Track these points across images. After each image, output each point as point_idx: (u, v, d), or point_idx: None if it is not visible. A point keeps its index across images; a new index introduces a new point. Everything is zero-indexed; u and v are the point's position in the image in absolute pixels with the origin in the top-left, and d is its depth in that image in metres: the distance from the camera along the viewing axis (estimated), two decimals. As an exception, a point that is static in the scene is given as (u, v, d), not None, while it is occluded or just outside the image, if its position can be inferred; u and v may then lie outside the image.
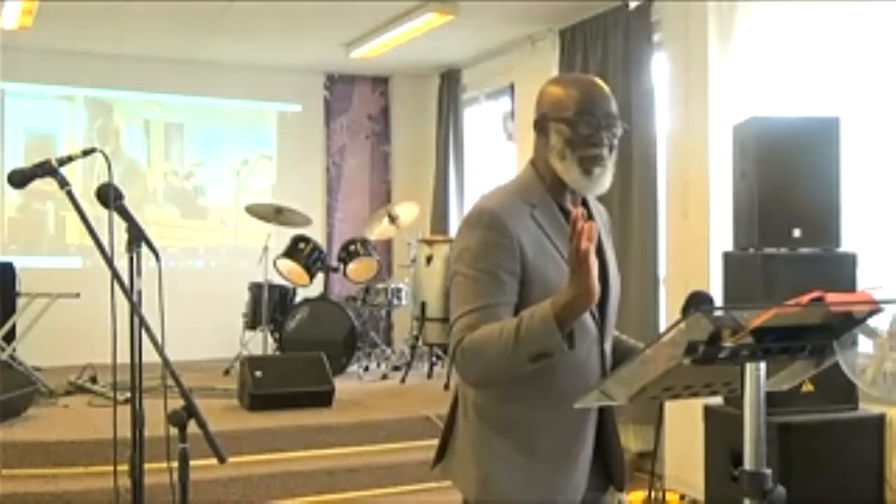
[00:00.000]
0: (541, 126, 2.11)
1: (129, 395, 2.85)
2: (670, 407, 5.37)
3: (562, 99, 2.07)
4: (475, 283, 2.01)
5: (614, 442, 2.19)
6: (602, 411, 2.14)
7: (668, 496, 4.71)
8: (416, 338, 6.84)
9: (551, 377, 2.00)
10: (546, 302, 1.88)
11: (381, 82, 8.96)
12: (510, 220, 2.03)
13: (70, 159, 2.78)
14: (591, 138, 2.04)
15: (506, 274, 2.00)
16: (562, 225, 2.07)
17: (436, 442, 2.26)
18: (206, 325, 7.36)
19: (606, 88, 2.11)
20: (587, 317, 2.07)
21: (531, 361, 1.89)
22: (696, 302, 2.00)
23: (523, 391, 2.03)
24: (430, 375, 6.78)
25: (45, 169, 2.69)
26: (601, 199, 2.25)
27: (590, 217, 2.18)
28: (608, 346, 2.16)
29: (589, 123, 2.04)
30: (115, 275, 2.53)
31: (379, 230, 7.38)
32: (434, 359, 6.92)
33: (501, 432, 2.07)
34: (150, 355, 2.59)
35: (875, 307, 1.78)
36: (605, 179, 2.07)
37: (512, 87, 7.39)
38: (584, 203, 2.20)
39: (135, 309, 2.58)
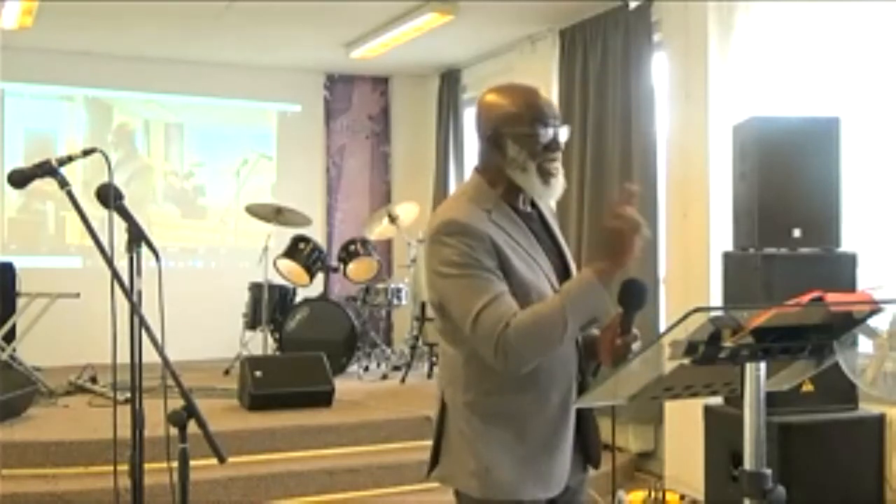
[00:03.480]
0: (494, 141, 2.18)
1: (129, 395, 2.84)
2: (670, 407, 5.39)
3: (513, 112, 2.17)
4: (474, 280, 2.06)
5: (591, 421, 2.26)
6: (578, 394, 2.20)
7: (668, 496, 4.69)
8: (416, 338, 6.85)
9: (535, 365, 2.07)
10: (584, 273, 2.06)
11: (381, 82, 8.95)
12: (475, 223, 2.11)
13: (70, 159, 2.78)
14: (550, 146, 2.16)
15: (492, 272, 2.08)
16: (518, 224, 2.19)
17: (437, 442, 2.28)
18: (206, 325, 7.35)
19: (545, 93, 2.24)
20: None
21: (581, 330, 2.09)
22: (630, 291, 2.03)
23: (510, 382, 2.09)
24: (430, 375, 6.77)
25: (45, 169, 2.69)
26: (606, 196, 2.27)
27: (539, 214, 2.28)
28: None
29: (545, 134, 2.15)
30: (115, 275, 2.53)
31: (379, 230, 7.38)
32: (434, 359, 6.91)
33: (495, 424, 2.13)
34: (150, 355, 2.59)
35: (875, 307, 1.78)
36: (560, 186, 2.21)
37: (512, 87, 7.38)
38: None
39: (135, 309, 2.59)
